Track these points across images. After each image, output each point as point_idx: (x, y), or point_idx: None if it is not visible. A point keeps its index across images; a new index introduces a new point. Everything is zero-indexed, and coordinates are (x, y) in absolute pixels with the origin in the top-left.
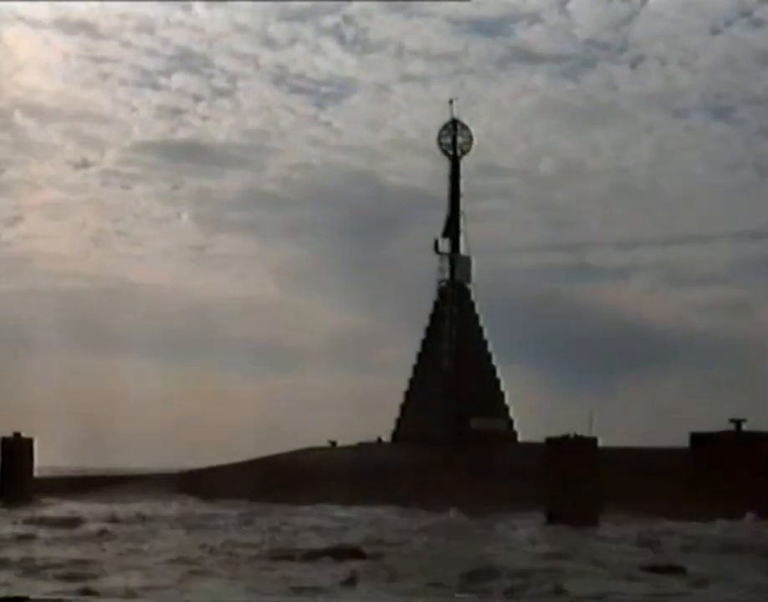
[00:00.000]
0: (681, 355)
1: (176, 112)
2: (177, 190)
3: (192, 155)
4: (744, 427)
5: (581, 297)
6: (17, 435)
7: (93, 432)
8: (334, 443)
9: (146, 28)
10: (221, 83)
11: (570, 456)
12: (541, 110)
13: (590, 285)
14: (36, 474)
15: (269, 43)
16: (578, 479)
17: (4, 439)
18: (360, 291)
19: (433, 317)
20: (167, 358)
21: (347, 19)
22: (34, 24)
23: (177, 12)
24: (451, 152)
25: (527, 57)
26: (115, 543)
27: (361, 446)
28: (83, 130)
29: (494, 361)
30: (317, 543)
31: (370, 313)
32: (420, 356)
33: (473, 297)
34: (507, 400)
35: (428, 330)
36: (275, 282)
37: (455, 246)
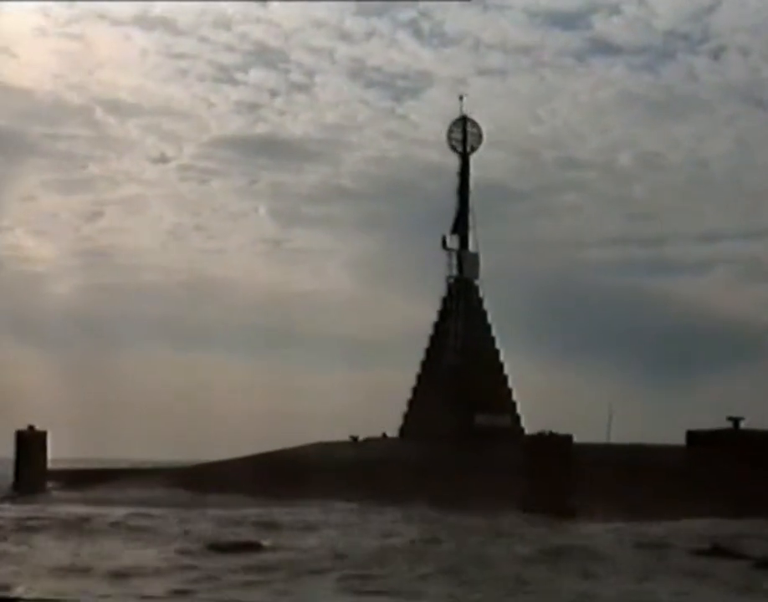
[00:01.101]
0: (763, 350)
1: (254, 107)
2: (254, 184)
3: (268, 149)
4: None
5: (658, 291)
6: (30, 428)
7: (173, 425)
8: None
9: (224, 23)
10: (298, 77)
11: (544, 451)
12: (620, 103)
13: (668, 279)
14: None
15: (346, 37)
16: (551, 473)
17: (19, 432)
18: (435, 285)
19: (441, 313)
20: (243, 351)
21: (423, 13)
22: (115, 22)
23: (254, 8)
24: (460, 148)
25: (606, 49)
26: None
27: (366, 442)
28: (161, 126)
29: (502, 357)
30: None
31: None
32: (428, 352)
33: (481, 293)
34: (515, 397)
35: (436, 326)
36: (351, 276)
37: (464, 242)
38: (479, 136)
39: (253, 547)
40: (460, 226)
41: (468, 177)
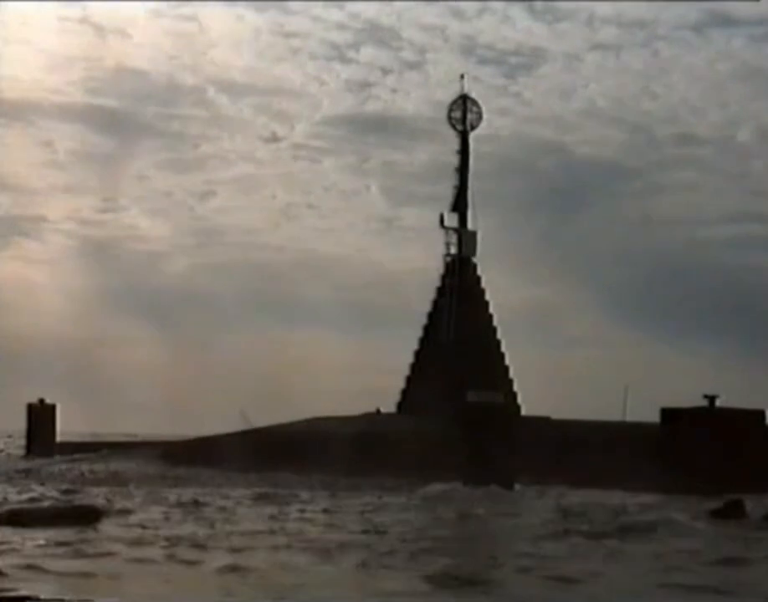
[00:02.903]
0: None
1: (365, 85)
2: (366, 163)
3: (380, 127)
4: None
5: None
6: (41, 401)
7: (280, 401)
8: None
9: (335, 2)
10: (409, 55)
11: (484, 422)
12: (739, 76)
13: None
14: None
15: (458, 13)
16: (491, 445)
17: (30, 405)
18: (547, 264)
19: (439, 290)
20: (355, 329)
21: None
22: (227, 2)
23: None
24: (460, 127)
25: (725, 21)
26: None
27: (362, 417)
28: (273, 105)
29: (500, 335)
30: None
31: (557, 287)
32: (425, 329)
33: (479, 271)
34: (512, 374)
35: (434, 303)
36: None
37: (463, 220)
38: (479, 115)
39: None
40: (460, 204)
41: (468, 156)
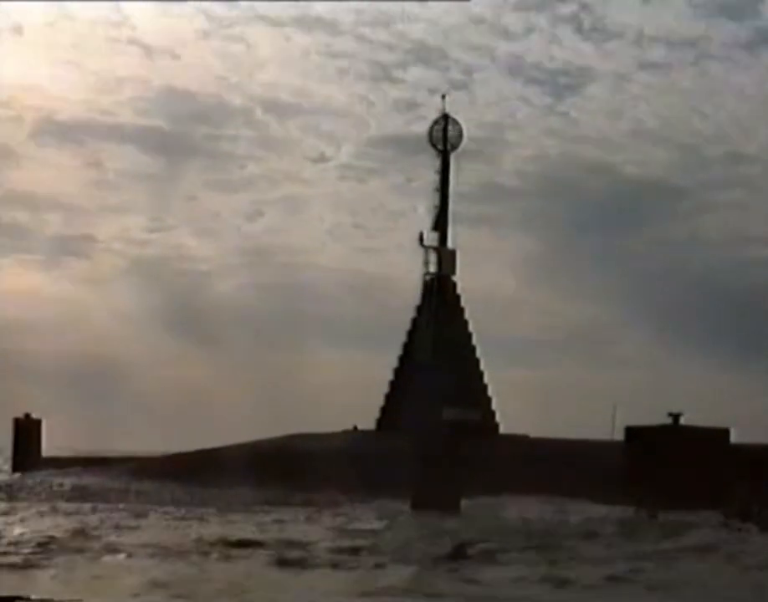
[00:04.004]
0: None
1: (412, 105)
2: (412, 183)
3: (427, 148)
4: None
5: None
6: (27, 415)
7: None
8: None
9: (383, 22)
10: (456, 75)
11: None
12: None
13: None
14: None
15: (505, 33)
16: (440, 466)
17: (16, 419)
18: (596, 284)
19: (418, 308)
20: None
21: (584, 7)
22: (275, 23)
23: (413, 6)
24: (441, 147)
25: None
26: None
27: (334, 436)
28: (321, 125)
29: (478, 354)
30: None
31: (606, 307)
32: (404, 346)
33: (458, 290)
34: (490, 392)
35: (413, 321)
36: (511, 275)
37: (443, 239)
38: (460, 135)
39: None
40: (440, 222)
41: (448, 175)
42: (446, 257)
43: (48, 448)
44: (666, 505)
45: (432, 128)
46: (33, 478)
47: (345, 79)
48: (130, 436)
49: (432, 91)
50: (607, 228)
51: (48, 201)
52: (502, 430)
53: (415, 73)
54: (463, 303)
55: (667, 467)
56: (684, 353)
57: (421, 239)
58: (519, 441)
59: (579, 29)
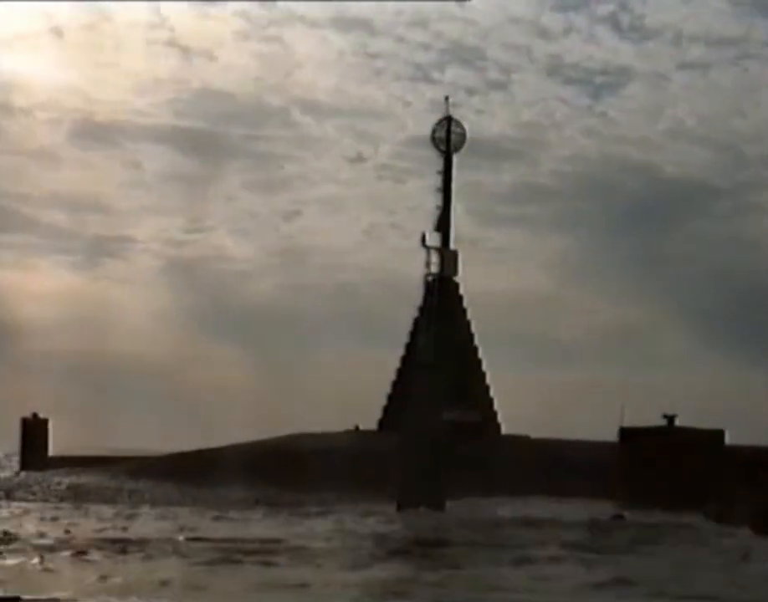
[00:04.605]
0: None
1: (450, 106)
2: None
3: (465, 148)
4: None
5: None
6: (34, 415)
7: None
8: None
9: (420, 22)
10: (495, 75)
11: (417, 444)
12: None
13: None
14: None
15: (543, 33)
16: (425, 467)
17: (24, 419)
18: (634, 284)
19: (420, 309)
20: None
21: (623, 6)
22: (312, 23)
23: (451, 6)
24: (444, 148)
25: None
26: None
27: (333, 436)
28: (358, 126)
29: (480, 354)
30: None
31: (644, 307)
32: (406, 347)
33: (461, 290)
34: (492, 393)
35: (415, 322)
36: (548, 275)
37: (445, 240)
38: (463, 136)
39: None
40: (442, 224)
41: (450, 176)
42: (448, 258)
43: (72, 447)
44: (650, 505)
45: (434, 129)
46: (35, 477)
47: (382, 79)
48: (161, 436)
49: (469, 91)
50: (646, 228)
51: (86, 202)
52: (511, 431)
53: (452, 73)
54: (465, 304)
55: (654, 468)
56: (724, 353)
57: (423, 240)
58: (516, 442)
59: (617, 29)
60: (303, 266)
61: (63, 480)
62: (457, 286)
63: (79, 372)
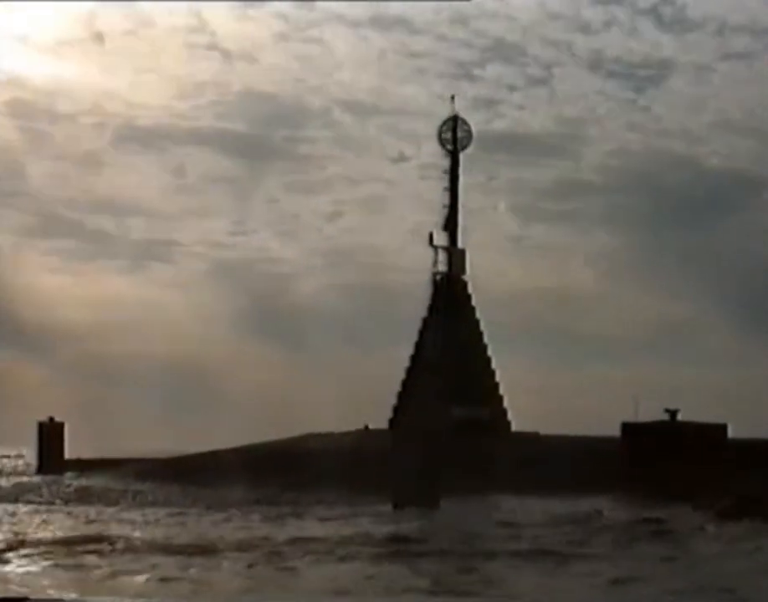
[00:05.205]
0: None
1: (492, 103)
2: (493, 181)
3: (507, 145)
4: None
5: None
6: (51, 419)
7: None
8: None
9: (460, 20)
10: (536, 71)
11: (413, 442)
12: None
13: None
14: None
15: (584, 28)
16: (419, 465)
17: (40, 423)
18: (680, 279)
19: (429, 308)
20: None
21: None
22: (352, 23)
23: (491, 3)
24: (450, 147)
25: None
26: None
27: (346, 435)
28: (400, 125)
29: (490, 352)
30: None
31: (691, 303)
32: (416, 345)
33: (469, 289)
34: (501, 390)
35: (424, 321)
36: (592, 271)
37: (453, 239)
38: (470, 135)
39: None
40: (450, 223)
41: (457, 175)
42: (456, 257)
43: (91, 449)
44: (650, 500)
45: (441, 129)
46: (49, 480)
47: (423, 78)
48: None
49: (511, 88)
50: (691, 222)
51: (130, 206)
52: (519, 428)
53: (494, 70)
54: (473, 303)
55: (654, 463)
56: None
57: (431, 239)
58: (522, 439)
59: (659, 21)
60: (346, 266)
61: (73, 483)
62: (465, 285)
63: (106, 375)
